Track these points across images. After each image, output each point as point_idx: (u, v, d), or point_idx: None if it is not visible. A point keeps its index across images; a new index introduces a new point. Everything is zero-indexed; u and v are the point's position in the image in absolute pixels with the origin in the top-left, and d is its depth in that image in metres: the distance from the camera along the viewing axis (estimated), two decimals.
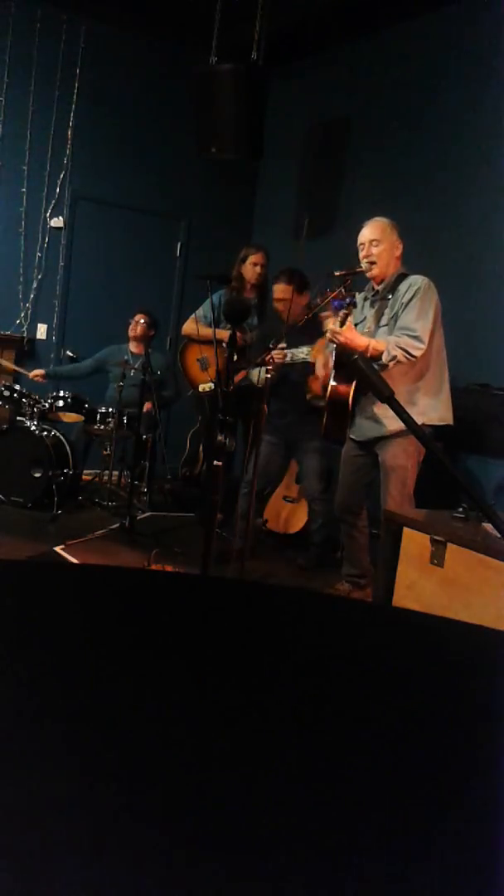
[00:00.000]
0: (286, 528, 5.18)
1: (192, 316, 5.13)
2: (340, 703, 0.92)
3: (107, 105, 6.34)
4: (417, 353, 3.49)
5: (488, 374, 4.43)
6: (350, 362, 3.37)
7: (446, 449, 4.28)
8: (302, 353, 4.34)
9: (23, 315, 6.25)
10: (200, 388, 4.98)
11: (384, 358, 3.47)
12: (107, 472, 5.49)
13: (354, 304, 3.67)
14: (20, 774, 0.67)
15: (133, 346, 5.70)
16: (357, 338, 3.51)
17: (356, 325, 3.68)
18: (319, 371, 3.98)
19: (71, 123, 6.22)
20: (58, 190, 6.26)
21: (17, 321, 6.25)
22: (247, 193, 6.96)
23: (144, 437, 5.40)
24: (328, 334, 3.61)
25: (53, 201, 6.26)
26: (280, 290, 4.47)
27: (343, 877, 0.60)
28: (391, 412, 1.71)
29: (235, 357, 3.07)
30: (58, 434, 5.23)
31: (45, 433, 5.15)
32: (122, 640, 1.01)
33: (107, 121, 6.36)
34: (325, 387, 4.36)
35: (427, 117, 5.18)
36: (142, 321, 5.62)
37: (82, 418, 5.32)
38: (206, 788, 0.69)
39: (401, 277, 3.69)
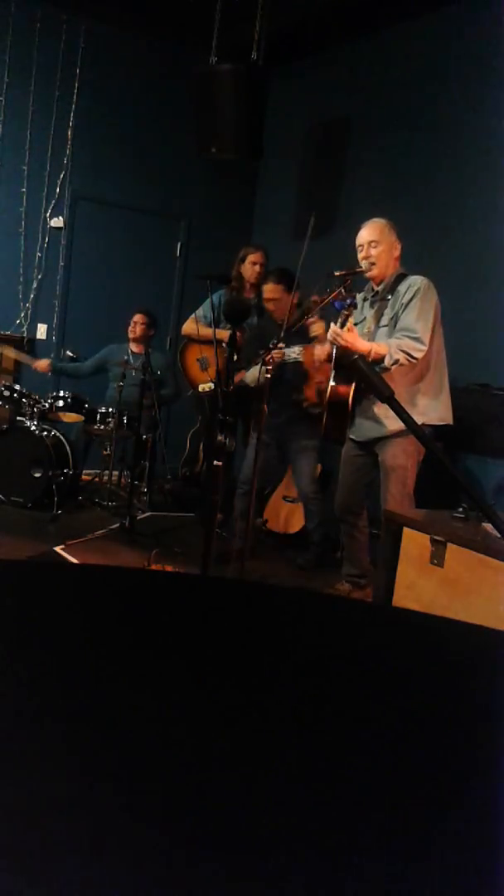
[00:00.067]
0: (286, 528, 5.18)
1: (192, 316, 5.13)
2: (340, 703, 0.92)
3: (107, 105, 6.34)
4: (419, 354, 3.49)
5: (488, 374, 4.43)
6: (350, 363, 3.37)
7: (446, 449, 4.28)
8: (294, 352, 4.34)
9: (23, 315, 6.25)
10: (200, 388, 4.98)
11: (386, 361, 3.46)
12: (107, 472, 5.49)
13: (355, 305, 3.67)
14: (20, 774, 0.67)
15: (133, 346, 5.70)
16: (358, 341, 3.51)
17: (356, 325, 3.68)
18: (319, 353, 3.97)
19: (71, 123, 6.22)
20: (58, 190, 6.26)
21: (17, 321, 6.25)
22: (247, 193, 6.96)
23: (144, 437, 5.40)
24: (329, 335, 3.60)
25: (53, 201, 6.26)
26: (269, 289, 4.46)
27: (343, 877, 0.60)
28: (391, 412, 1.71)
29: (235, 357, 3.07)
30: (58, 434, 5.23)
31: (45, 433, 5.15)
32: (122, 640, 1.01)
33: (107, 121, 6.36)
34: (321, 391, 4.38)
35: (427, 117, 5.18)
36: (140, 322, 5.62)
37: (82, 418, 5.32)
38: (206, 788, 0.69)
39: (400, 278, 3.69)
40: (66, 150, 6.24)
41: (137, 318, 5.64)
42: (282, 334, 3.80)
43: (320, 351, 3.96)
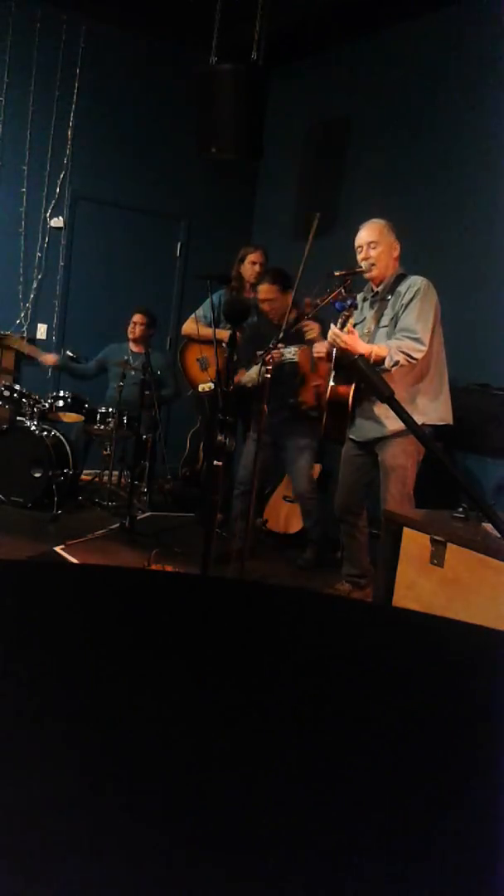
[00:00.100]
0: (286, 528, 5.18)
1: (192, 316, 5.13)
2: (340, 703, 0.92)
3: (107, 105, 6.34)
4: (419, 355, 3.49)
5: (488, 374, 4.43)
6: (350, 363, 3.38)
7: (446, 449, 4.28)
8: (290, 352, 4.35)
9: (23, 315, 6.25)
10: (200, 388, 4.98)
11: (387, 363, 3.46)
12: (107, 472, 5.49)
13: (355, 306, 3.67)
14: (20, 774, 0.67)
15: (133, 346, 5.70)
16: (358, 344, 3.51)
17: (355, 325, 3.68)
18: (318, 347, 3.97)
19: (71, 123, 6.22)
20: (58, 190, 6.26)
21: (17, 321, 6.25)
22: (247, 193, 6.96)
23: (144, 437, 5.40)
24: (329, 336, 3.60)
25: (53, 201, 6.26)
26: (264, 290, 4.45)
27: (343, 877, 0.60)
28: (392, 412, 1.71)
29: (235, 357, 3.07)
30: (58, 434, 5.23)
31: (45, 433, 5.15)
32: (122, 640, 1.01)
33: (107, 121, 6.36)
34: (319, 394, 4.38)
35: (427, 117, 5.18)
36: (140, 323, 5.62)
37: (82, 418, 5.32)
38: (206, 788, 0.69)
39: (400, 278, 3.69)
40: (66, 150, 6.24)
41: (137, 318, 5.64)
42: (281, 335, 3.80)
43: (319, 346, 3.95)
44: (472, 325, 4.51)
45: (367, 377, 1.87)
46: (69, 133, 6.22)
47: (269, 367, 3.61)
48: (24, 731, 0.75)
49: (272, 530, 5.22)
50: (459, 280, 4.61)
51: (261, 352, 4.17)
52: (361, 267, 3.71)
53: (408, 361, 3.49)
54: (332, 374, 3.67)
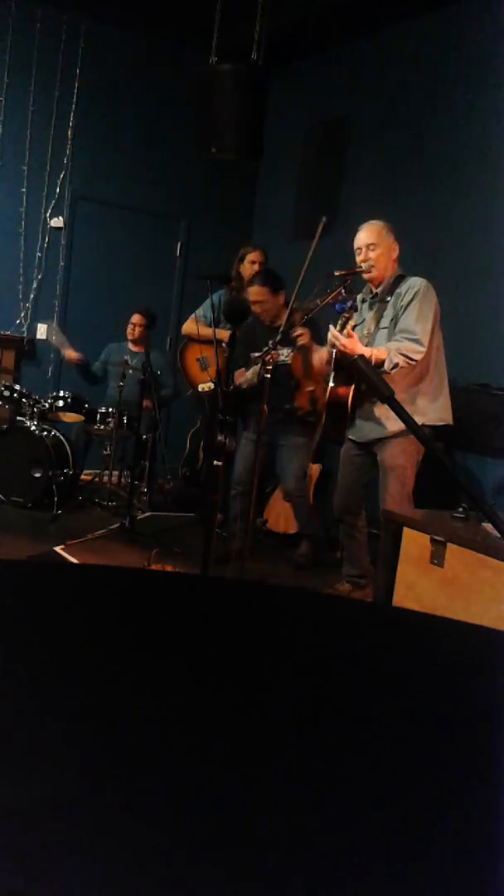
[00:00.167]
0: (286, 528, 5.18)
1: (192, 316, 5.13)
2: (340, 703, 0.92)
3: (107, 105, 6.34)
4: (418, 356, 3.49)
5: (488, 374, 4.43)
6: (350, 363, 3.38)
7: (446, 449, 4.28)
8: (283, 354, 4.35)
9: (23, 315, 6.25)
10: (200, 388, 4.98)
11: (386, 365, 3.46)
12: (107, 472, 5.49)
13: (355, 308, 3.67)
14: (20, 774, 0.67)
15: (132, 346, 5.70)
16: (357, 346, 3.50)
17: (355, 327, 3.68)
18: (317, 364, 3.96)
19: (71, 123, 6.22)
20: (58, 190, 6.26)
21: (17, 321, 6.25)
22: (247, 193, 6.96)
23: (144, 437, 5.40)
24: (329, 338, 3.60)
25: (53, 201, 6.26)
26: (255, 292, 4.44)
27: (343, 877, 0.60)
28: (392, 413, 1.71)
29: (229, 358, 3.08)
30: (58, 434, 5.22)
31: (45, 433, 5.14)
32: (122, 640, 1.01)
33: (107, 121, 6.36)
34: (314, 399, 4.39)
35: (427, 117, 5.18)
36: (139, 324, 5.61)
37: (82, 418, 5.32)
38: (206, 788, 0.69)
39: (399, 279, 3.69)
40: (66, 150, 6.24)
41: (136, 319, 5.64)
42: (279, 337, 3.80)
43: (318, 359, 3.94)
44: (472, 325, 4.51)
45: (367, 377, 1.87)
46: (69, 133, 6.22)
47: (269, 367, 3.61)
48: (25, 730, 0.75)
49: (272, 530, 5.22)
50: (459, 280, 4.61)
51: (255, 353, 4.18)
52: (361, 268, 3.71)
53: (407, 363, 3.49)
54: (332, 374, 3.67)
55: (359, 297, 3.83)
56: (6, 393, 5.21)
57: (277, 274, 4.47)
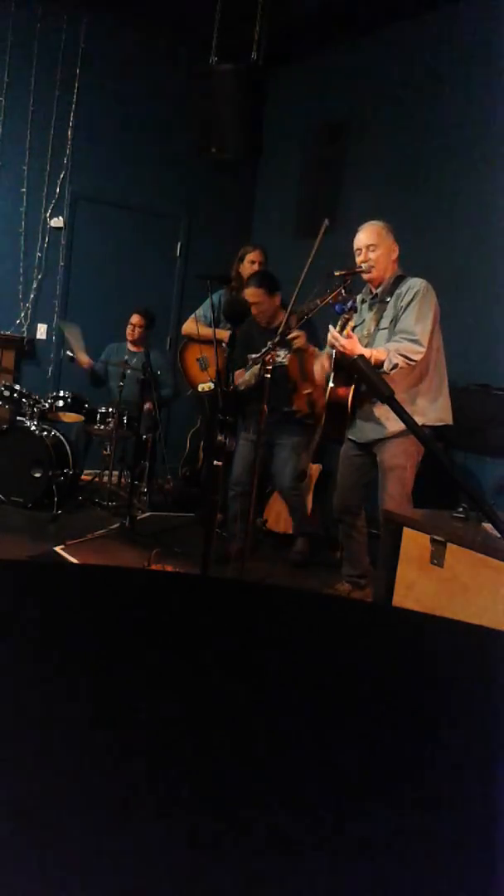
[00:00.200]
0: (286, 528, 5.18)
1: (192, 316, 5.14)
2: (340, 703, 0.92)
3: (107, 105, 6.34)
4: (417, 357, 3.49)
5: (488, 374, 4.43)
6: (350, 363, 3.38)
7: (446, 449, 4.28)
8: (280, 356, 4.35)
9: (23, 315, 6.25)
10: (200, 388, 4.98)
11: (385, 367, 3.46)
12: (107, 472, 5.49)
13: (355, 310, 3.67)
14: (21, 774, 0.67)
15: (132, 347, 5.70)
16: (357, 348, 3.50)
17: (354, 328, 3.68)
18: (318, 374, 3.96)
19: (71, 123, 6.22)
20: (58, 190, 6.26)
21: (17, 321, 6.25)
22: (247, 193, 6.96)
23: (144, 437, 5.40)
24: (328, 338, 3.60)
25: (53, 201, 6.26)
26: (251, 293, 4.43)
27: (343, 876, 0.60)
28: (392, 413, 1.71)
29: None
30: (58, 434, 5.23)
31: (45, 433, 5.15)
32: (122, 640, 1.01)
33: (107, 121, 6.36)
34: (311, 402, 4.39)
35: (427, 117, 5.18)
36: (138, 325, 5.61)
37: (82, 418, 5.32)
38: (206, 789, 0.69)
39: (399, 279, 3.69)
40: (66, 150, 6.24)
41: (135, 319, 5.64)
42: (277, 338, 3.81)
43: (319, 368, 3.94)
44: (472, 326, 4.51)
45: (367, 377, 1.87)
46: (69, 133, 6.22)
47: (269, 368, 3.61)
48: (25, 730, 0.75)
49: (272, 530, 5.22)
50: (459, 280, 4.61)
51: (252, 354, 4.19)
52: (361, 268, 3.71)
53: (406, 363, 3.49)
54: (332, 375, 3.67)
55: (358, 297, 3.83)
56: (6, 393, 5.21)
57: (273, 275, 4.48)
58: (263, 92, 5.35)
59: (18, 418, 5.27)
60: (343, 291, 3.61)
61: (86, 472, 5.68)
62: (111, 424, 5.23)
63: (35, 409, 5.22)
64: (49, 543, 4.45)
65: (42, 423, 5.21)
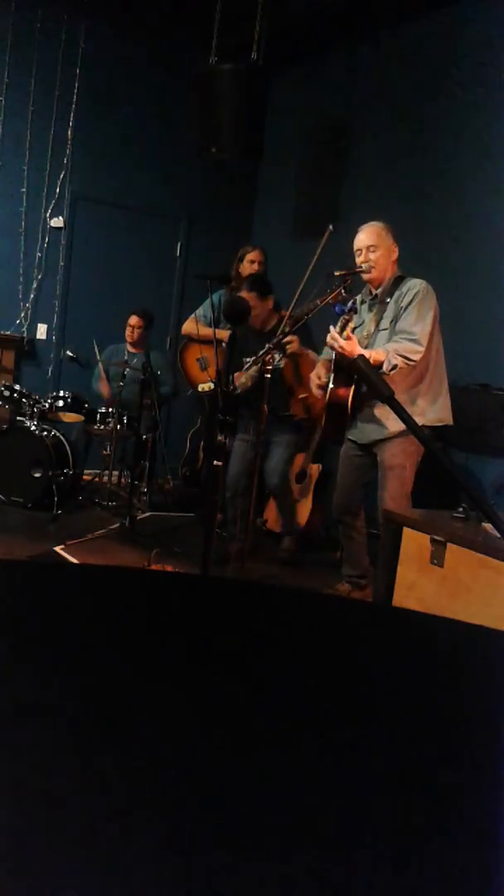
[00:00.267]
0: None
1: (192, 316, 5.14)
2: (340, 703, 0.92)
3: (107, 105, 6.34)
4: (416, 357, 3.49)
5: (488, 374, 4.43)
6: (350, 362, 3.38)
7: (446, 449, 4.28)
8: (276, 358, 4.36)
9: (23, 315, 6.25)
10: (200, 388, 4.98)
11: (385, 367, 3.46)
12: (107, 472, 5.49)
13: (355, 311, 3.67)
14: (21, 774, 0.67)
15: (131, 347, 5.71)
16: (356, 349, 3.50)
17: (354, 329, 3.68)
18: (314, 384, 3.96)
19: (71, 123, 6.22)
20: (58, 190, 6.26)
21: (17, 321, 6.25)
22: (247, 193, 6.96)
23: (144, 437, 5.40)
24: (328, 339, 3.60)
25: (53, 201, 6.26)
26: (243, 297, 4.45)
27: (343, 876, 0.60)
28: (392, 414, 1.71)
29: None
30: (58, 434, 5.23)
31: (45, 433, 5.15)
32: (122, 640, 1.01)
33: (107, 121, 6.36)
34: (307, 406, 4.40)
35: (427, 118, 5.18)
36: (137, 326, 5.62)
37: (82, 418, 5.32)
38: (206, 789, 0.69)
39: (398, 280, 3.69)
40: (66, 150, 6.24)
41: (133, 321, 5.64)
42: (276, 340, 3.81)
43: (314, 379, 3.93)
44: (472, 326, 4.51)
45: (367, 377, 1.87)
46: (69, 133, 6.22)
47: (269, 368, 3.61)
48: (25, 730, 0.75)
49: (272, 530, 5.22)
50: (459, 281, 4.61)
51: (247, 358, 4.20)
52: (361, 269, 3.71)
53: (406, 364, 3.49)
54: (332, 375, 3.67)
55: (358, 298, 3.83)
56: (6, 393, 5.21)
57: (265, 279, 4.50)
58: (263, 92, 5.34)
59: (18, 418, 5.27)
60: (343, 292, 3.61)
61: (86, 472, 5.68)
62: (111, 424, 5.23)
63: (35, 409, 5.22)
64: (49, 543, 4.45)
65: (42, 423, 5.21)
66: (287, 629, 1.14)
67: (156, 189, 6.57)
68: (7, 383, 5.32)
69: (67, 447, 5.23)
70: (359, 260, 3.72)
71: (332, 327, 3.59)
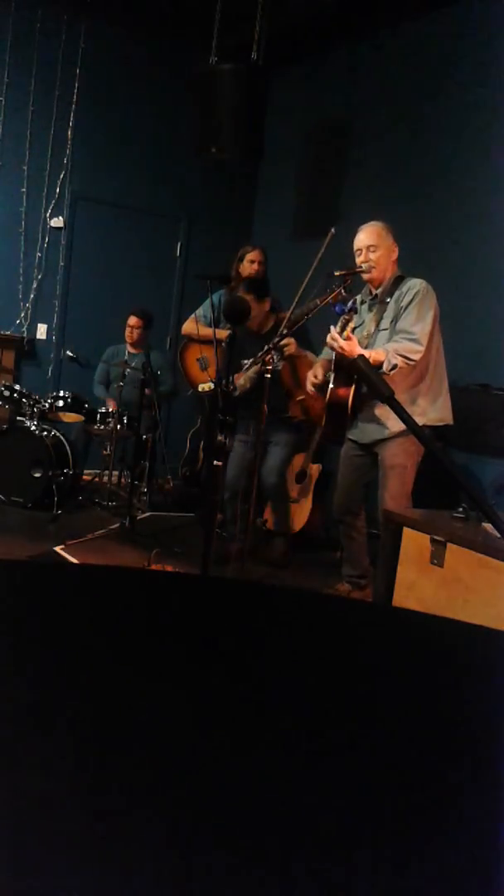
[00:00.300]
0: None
1: (192, 316, 5.14)
2: (340, 702, 0.92)
3: (107, 105, 6.34)
4: (416, 356, 3.49)
5: (488, 374, 4.43)
6: (350, 363, 3.38)
7: (446, 449, 4.28)
8: (275, 359, 4.36)
9: (23, 315, 6.25)
10: (200, 388, 4.98)
11: (385, 367, 3.46)
12: (107, 472, 5.49)
13: (355, 311, 3.67)
14: (21, 774, 0.67)
15: (130, 348, 5.71)
16: (356, 349, 3.50)
17: (354, 329, 3.68)
18: (309, 381, 3.96)
19: (71, 123, 6.22)
20: (58, 190, 6.26)
21: (17, 321, 6.25)
22: (247, 193, 6.96)
23: (144, 437, 5.40)
24: (328, 339, 3.60)
25: (53, 201, 6.26)
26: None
27: (343, 876, 0.60)
28: (393, 413, 1.71)
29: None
30: (58, 434, 5.23)
31: (45, 433, 5.15)
32: (122, 640, 1.01)
33: (107, 121, 6.36)
34: (305, 408, 4.39)
35: (427, 118, 5.18)
36: (136, 326, 5.62)
37: (82, 418, 5.32)
38: (206, 789, 0.69)
39: (398, 280, 3.69)
40: (66, 150, 6.24)
41: (132, 321, 5.64)
42: (277, 339, 3.81)
43: (310, 378, 3.94)
44: (472, 326, 4.51)
45: (367, 377, 1.87)
46: (69, 133, 6.23)
47: (269, 368, 3.61)
48: (25, 730, 0.75)
49: (272, 531, 5.22)
50: (459, 280, 4.61)
51: (244, 360, 4.20)
52: (361, 268, 3.71)
53: (406, 363, 3.49)
54: (332, 375, 3.67)
55: (358, 298, 3.83)
56: (6, 393, 5.21)
57: (262, 281, 4.50)
58: (263, 92, 5.34)
59: (18, 418, 5.27)
60: (343, 292, 3.61)
61: (86, 472, 5.68)
62: (111, 424, 5.23)
63: (35, 409, 5.22)
64: (49, 543, 4.45)
65: (42, 423, 5.21)
66: (287, 629, 1.14)
67: (156, 189, 6.57)
68: (7, 383, 5.33)
69: (67, 447, 5.23)
70: (359, 260, 3.72)
71: (332, 327, 3.59)
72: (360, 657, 1.06)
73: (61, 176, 6.25)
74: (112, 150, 6.41)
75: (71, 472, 5.24)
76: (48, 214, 6.24)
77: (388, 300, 3.69)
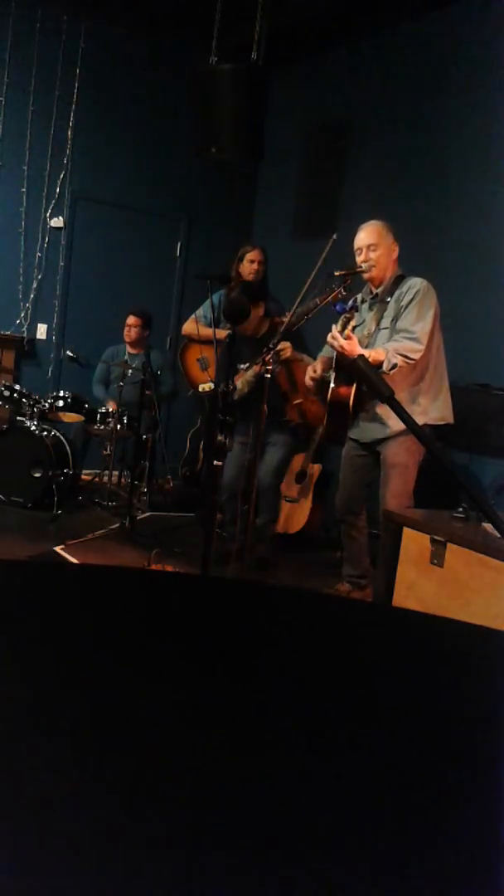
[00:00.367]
0: (286, 528, 5.17)
1: (192, 316, 5.14)
2: (340, 703, 0.92)
3: (107, 105, 6.34)
4: (416, 355, 3.49)
5: (488, 374, 4.43)
6: (350, 362, 3.38)
7: (446, 449, 4.28)
8: (273, 361, 4.36)
9: (23, 315, 6.25)
10: (200, 389, 4.98)
11: (385, 367, 3.46)
12: (107, 472, 5.49)
13: (356, 309, 3.67)
14: (21, 774, 0.67)
15: (130, 348, 5.71)
16: (356, 349, 3.50)
17: (355, 328, 3.68)
18: (308, 376, 3.96)
19: (71, 123, 6.22)
20: (58, 190, 6.26)
21: (17, 321, 6.25)
22: (247, 193, 6.96)
23: (144, 437, 5.40)
24: (328, 339, 3.60)
25: (53, 201, 6.26)
26: None
27: (343, 876, 0.60)
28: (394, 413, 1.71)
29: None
30: (58, 434, 5.23)
31: (45, 433, 5.15)
32: (122, 640, 1.01)
33: (107, 121, 6.36)
34: (303, 411, 4.39)
35: (427, 118, 5.18)
36: (135, 325, 5.62)
37: (82, 418, 5.33)
38: (206, 789, 0.69)
39: (399, 279, 3.69)
40: (66, 150, 6.24)
41: (131, 320, 5.64)
42: (277, 338, 3.80)
43: (310, 373, 3.94)
44: (472, 326, 4.51)
45: (367, 377, 1.87)
46: (69, 133, 6.23)
47: (270, 368, 3.61)
48: (25, 730, 0.75)
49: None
50: (459, 280, 4.61)
51: (241, 364, 4.20)
52: (362, 268, 3.71)
53: (406, 362, 3.49)
54: (333, 375, 3.66)
55: (358, 297, 3.83)
56: (6, 393, 5.21)
57: (257, 285, 4.50)
58: (263, 92, 5.34)
59: (18, 418, 5.27)
60: (343, 291, 3.61)
61: (86, 472, 5.68)
62: (111, 424, 5.23)
63: (35, 409, 5.22)
64: (49, 543, 4.45)
65: (42, 423, 5.21)
66: (287, 629, 1.14)
67: (156, 189, 6.58)
68: (7, 383, 5.33)
69: (67, 447, 5.23)
70: (359, 259, 3.72)
71: (333, 326, 3.59)
72: (360, 657, 1.06)
73: (61, 176, 6.25)
74: (112, 150, 6.41)
75: (71, 472, 5.25)
76: (48, 214, 6.24)
77: (389, 299, 3.69)
